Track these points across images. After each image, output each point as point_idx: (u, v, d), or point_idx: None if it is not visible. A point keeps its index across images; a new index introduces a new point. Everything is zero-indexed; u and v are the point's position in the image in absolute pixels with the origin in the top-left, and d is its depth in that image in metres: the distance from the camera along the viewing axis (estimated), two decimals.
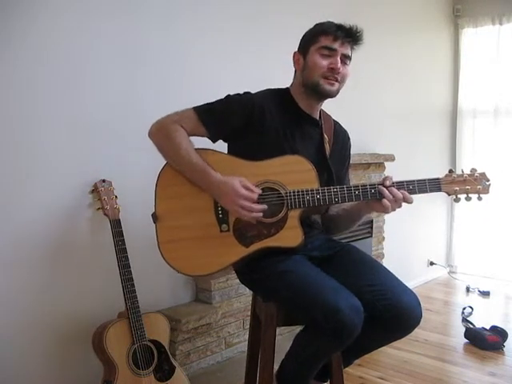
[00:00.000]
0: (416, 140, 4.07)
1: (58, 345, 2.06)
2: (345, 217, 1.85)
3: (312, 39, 1.71)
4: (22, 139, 1.94)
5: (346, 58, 1.71)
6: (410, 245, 4.11)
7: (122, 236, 2.01)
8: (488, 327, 3.03)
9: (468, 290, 4.07)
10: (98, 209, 2.05)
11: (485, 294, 3.96)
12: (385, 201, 1.63)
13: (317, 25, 1.75)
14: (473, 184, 1.66)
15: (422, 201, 4.26)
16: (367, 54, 3.41)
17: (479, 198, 1.68)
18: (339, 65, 1.69)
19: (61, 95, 2.03)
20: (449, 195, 1.68)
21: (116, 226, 2.01)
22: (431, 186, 1.66)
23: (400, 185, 1.65)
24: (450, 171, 1.68)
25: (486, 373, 2.61)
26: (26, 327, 1.98)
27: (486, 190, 1.67)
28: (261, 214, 1.61)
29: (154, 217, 1.69)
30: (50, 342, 2.04)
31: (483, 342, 2.90)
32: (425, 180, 1.66)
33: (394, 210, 1.66)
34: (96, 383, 1.99)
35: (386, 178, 1.66)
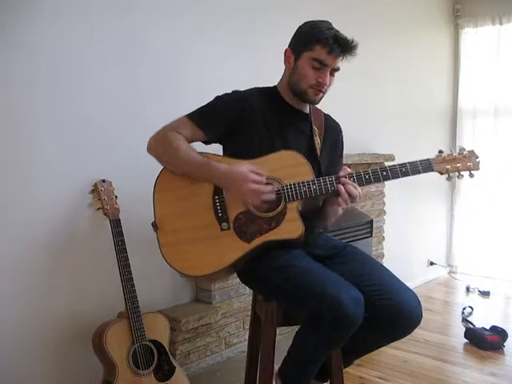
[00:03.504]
0: (416, 140, 4.07)
1: (58, 345, 2.06)
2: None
3: (307, 44, 1.70)
4: (22, 139, 1.94)
5: (334, 71, 1.74)
6: (410, 245, 4.11)
7: (122, 236, 2.01)
8: (488, 327, 3.03)
9: (468, 290, 4.07)
10: (98, 209, 2.05)
11: (485, 294, 3.96)
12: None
13: (314, 27, 1.71)
14: (463, 161, 1.71)
15: (422, 201, 4.28)
16: (367, 54, 3.43)
17: (471, 175, 1.71)
18: (327, 79, 1.72)
19: (60, 95, 2.03)
20: (441, 174, 1.72)
21: (116, 225, 2.01)
22: (423, 166, 1.69)
23: (357, 175, 1.68)
24: (440, 151, 1.72)
25: (486, 373, 2.61)
26: (26, 327, 1.98)
27: (476, 167, 1.71)
28: (273, 196, 1.64)
29: (154, 226, 1.70)
30: (50, 342, 2.04)
31: (483, 342, 2.90)
32: (416, 161, 1.69)
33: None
34: (96, 383, 1.99)
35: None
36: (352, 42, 1.68)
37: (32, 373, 1.99)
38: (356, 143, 3.40)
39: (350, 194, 1.65)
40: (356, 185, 1.68)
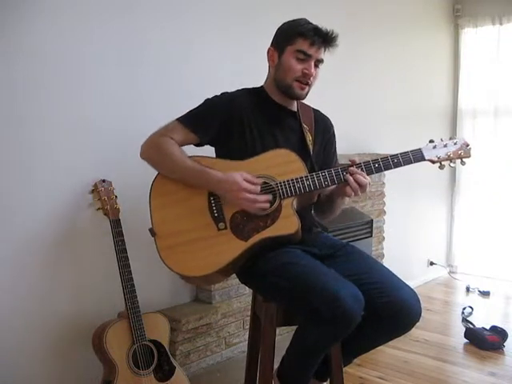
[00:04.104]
0: (416, 140, 4.03)
1: (58, 345, 2.06)
2: (325, 203, 1.88)
3: (289, 39, 1.74)
4: (22, 139, 1.94)
5: (318, 62, 1.76)
6: (410, 245, 4.11)
7: (122, 236, 2.01)
8: (488, 327, 3.03)
9: (468, 290, 4.06)
10: (98, 209, 2.05)
11: (485, 294, 3.96)
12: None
13: (293, 23, 1.77)
14: (454, 149, 1.73)
15: (421, 201, 4.27)
16: (367, 53, 3.44)
17: (462, 163, 1.74)
18: (313, 70, 1.74)
19: (61, 95, 2.03)
20: (433, 163, 1.73)
21: (116, 226, 2.02)
22: (414, 156, 1.70)
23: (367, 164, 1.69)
24: (431, 141, 1.73)
25: (486, 373, 2.61)
26: (26, 327, 1.98)
27: (467, 154, 1.73)
28: (267, 205, 1.65)
29: (152, 232, 1.71)
30: (50, 342, 2.05)
31: (483, 342, 2.90)
32: (407, 152, 1.70)
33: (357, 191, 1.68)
34: (96, 383, 1.99)
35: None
36: (332, 33, 1.72)
37: (32, 373, 1.99)
38: (356, 143, 3.40)
39: (359, 184, 1.66)
40: (365, 174, 1.68)
